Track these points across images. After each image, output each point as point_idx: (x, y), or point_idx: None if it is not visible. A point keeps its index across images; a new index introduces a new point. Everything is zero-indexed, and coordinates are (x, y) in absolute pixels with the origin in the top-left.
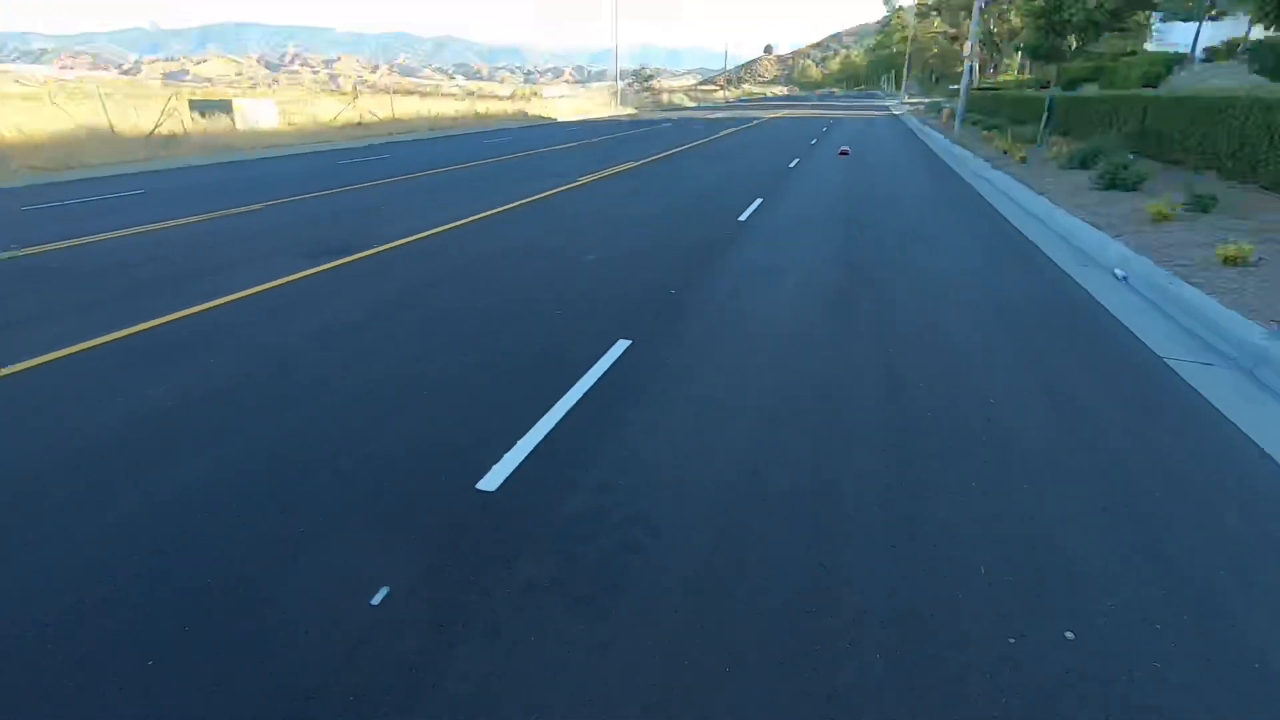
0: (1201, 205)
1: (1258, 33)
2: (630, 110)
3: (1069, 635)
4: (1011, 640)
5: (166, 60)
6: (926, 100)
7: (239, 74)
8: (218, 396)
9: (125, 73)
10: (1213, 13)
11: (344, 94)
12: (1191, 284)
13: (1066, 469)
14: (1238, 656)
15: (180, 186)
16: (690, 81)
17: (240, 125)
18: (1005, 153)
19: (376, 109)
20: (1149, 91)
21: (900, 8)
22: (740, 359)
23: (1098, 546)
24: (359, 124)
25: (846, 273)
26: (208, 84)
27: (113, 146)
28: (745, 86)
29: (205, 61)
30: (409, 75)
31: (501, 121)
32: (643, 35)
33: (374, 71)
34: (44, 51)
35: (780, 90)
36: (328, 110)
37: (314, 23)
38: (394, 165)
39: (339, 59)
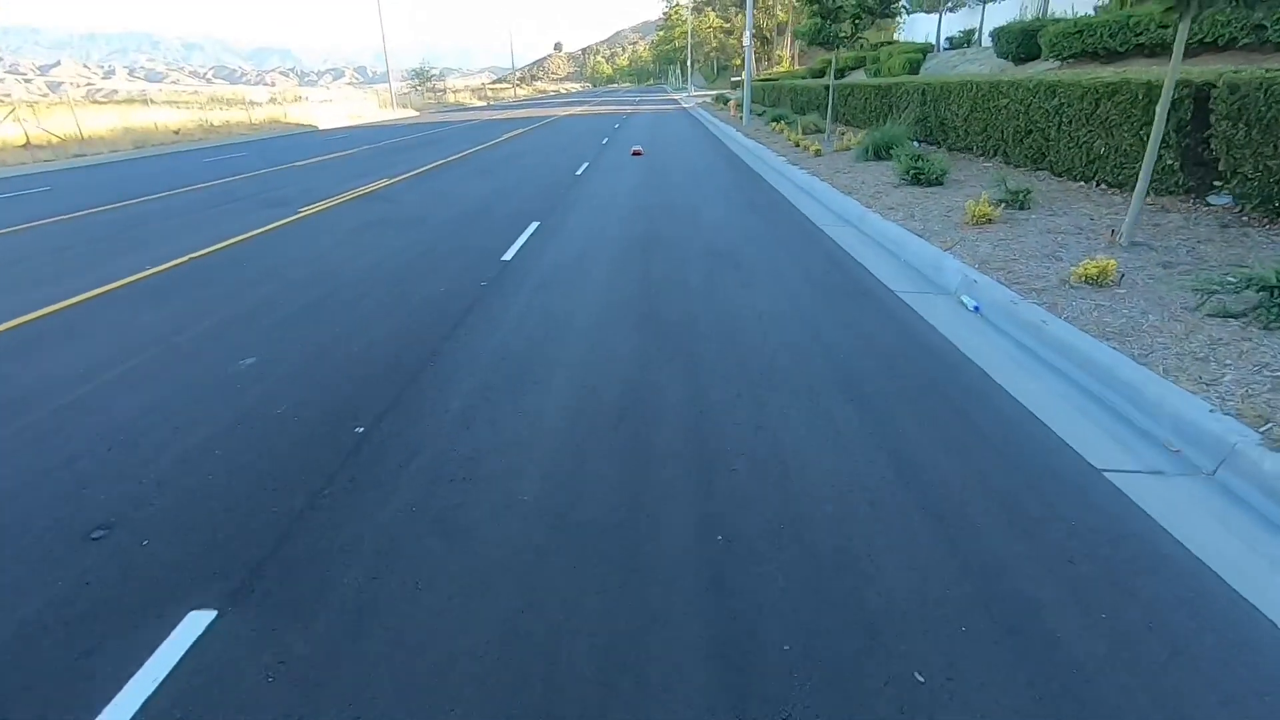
0: (1019, 201)
1: (994, 20)
2: (411, 113)
3: None
4: None
5: None
6: (712, 92)
7: None
8: None
9: None
10: (949, 4)
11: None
12: (1066, 319)
13: None
14: None
15: None
16: (483, 80)
17: None
18: (798, 145)
19: (59, 125)
20: (925, 78)
21: (677, 3)
22: (448, 602)
23: None
24: (26, 145)
25: (644, 340)
26: None
27: None
28: (538, 84)
29: None
30: (156, 81)
31: (247, 132)
32: (431, 34)
33: (108, 77)
34: None
35: (574, 87)
36: None
37: (12, 23)
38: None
39: (58, 63)
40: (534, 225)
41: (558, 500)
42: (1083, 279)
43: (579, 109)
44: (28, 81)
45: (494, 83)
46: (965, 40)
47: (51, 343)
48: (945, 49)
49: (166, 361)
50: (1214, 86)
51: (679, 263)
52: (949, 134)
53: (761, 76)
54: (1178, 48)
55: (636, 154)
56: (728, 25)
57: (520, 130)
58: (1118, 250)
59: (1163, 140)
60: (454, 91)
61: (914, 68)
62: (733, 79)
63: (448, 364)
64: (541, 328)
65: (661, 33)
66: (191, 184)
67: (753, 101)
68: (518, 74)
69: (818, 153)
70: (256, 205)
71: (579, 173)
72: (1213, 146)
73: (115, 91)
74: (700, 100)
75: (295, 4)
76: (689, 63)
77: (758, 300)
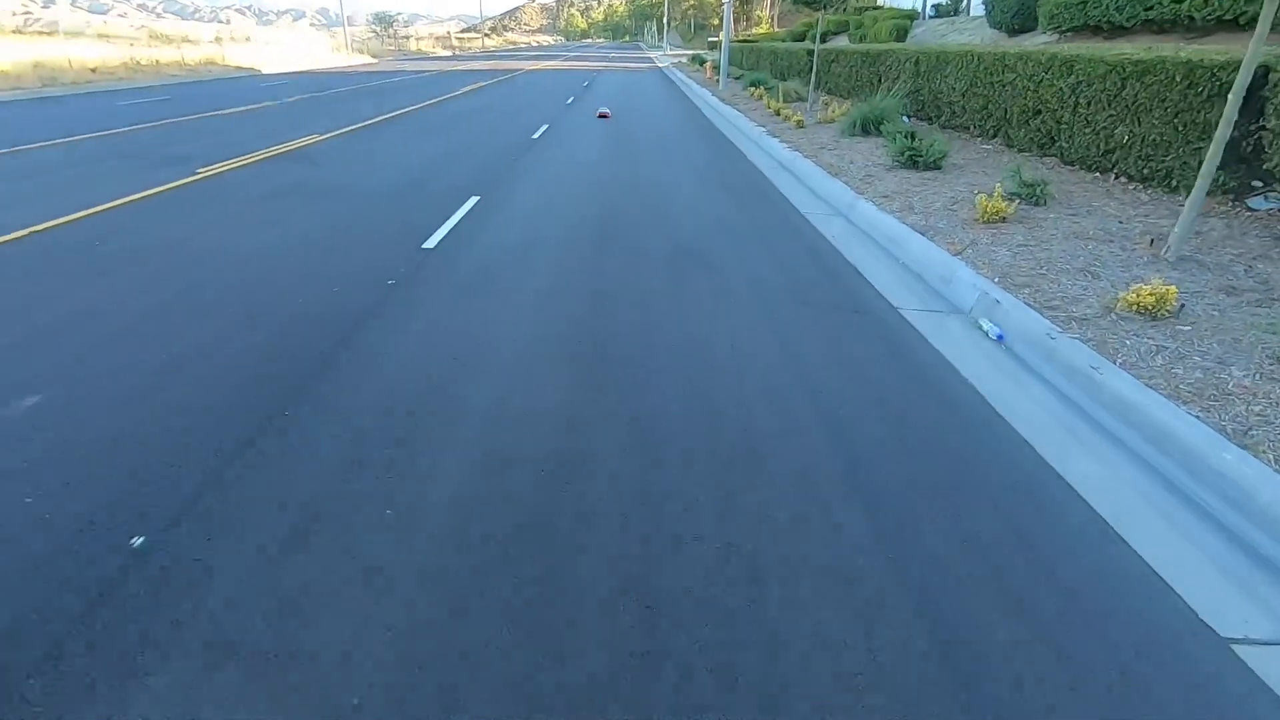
0: (1034, 196)
1: None
2: (368, 60)
3: None
4: None
5: None
6: (688, 51)
7: None
8: None
9: None
10: None
11: None
12: (1122, 366)
13: None
14: None
15: None
16: (451, 29)
17: None
18: (778, 114)
19: None
20: (918, 47)
21: None
22: None
23: None
24: None
25: (581, 387)
26: None
27: None
28: (509, 35)
29: None
30: (101, 13)
31: (178, 74)
32: None
33: (47, 6)
34: None
35: (547, 40)
36: None
37: None
38: None
39: None
40: (473, 201)
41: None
42: (1134, 308)
43: (548, 63)
44: None
45: (462, 31)
46: (953, 8)
47: None
48: (931, 16)
49: None
50: (1273, 71)
51: (637, 264)
52: (943, 110)
53: (740, 38)
54: (1263, 21)
55: (603, 117)
56: None
57: (481, 84)
58: (1164, 266)
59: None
60: (417, 39)
61: (901, 35)
62: (709, 39)
63: (292, 437)
64: (446, 362)
65: None
66: (82, 132)
67: (730, 64)
68: (488, 23)
69: (799, 124)
70: (149, 164)
71: (536, 136)
72: (1265, 143)
73: (55, 22)
74: (675, 60)
75: None
76: (665, 20)
77: (732, 323)
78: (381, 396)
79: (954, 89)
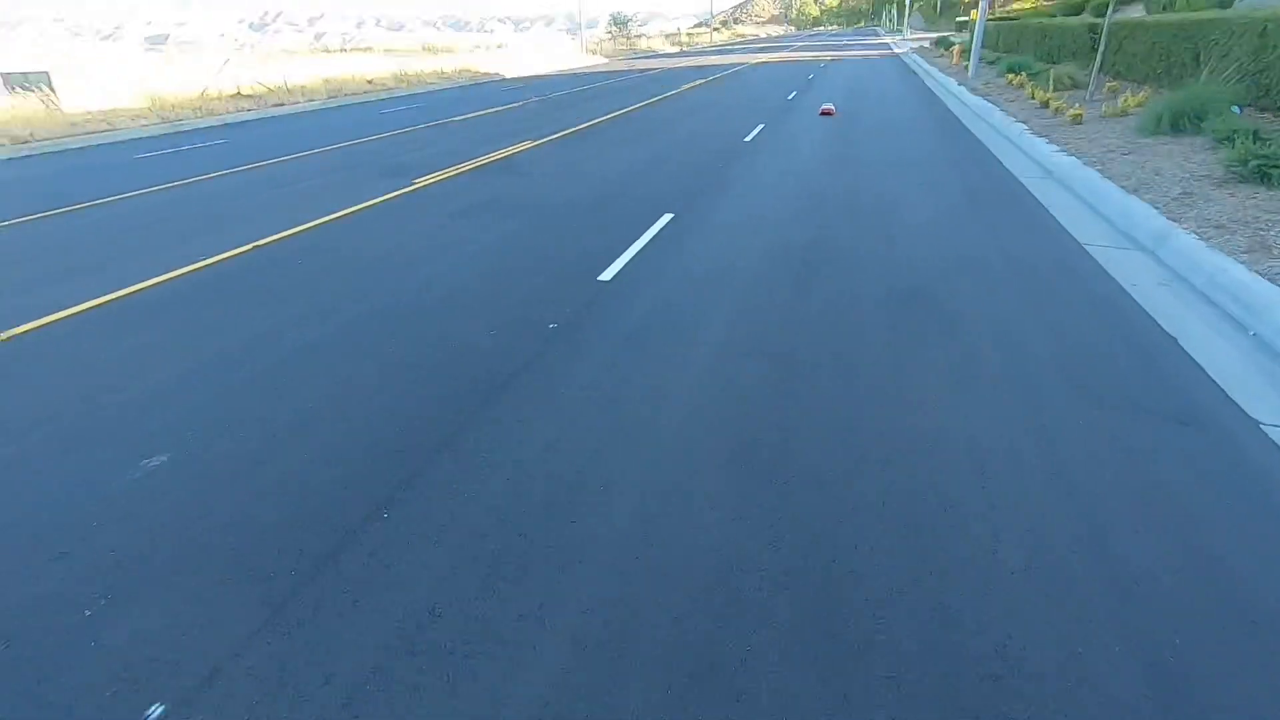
0: None
1: None
2: (600, 60)
3: None
4: None
5: (146, 24)
6: (931, 35)
7: (222, 35)
8: None
9: (106, 39)
10: None
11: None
12: None
13: None
14: None
15: None
16: (684, 25)
17: (72, 102)
18: (1045, 106)
19: (269, 76)
20: (1265, 10)
21: None
22: None
23: None
24: (237, 95)
25: (758, 512)
26: (190, 46)
27: None
28: (738, 28)
29: (185, 24)
30: (396, 30)
31: (435, 82)
32: None
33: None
34: (23, 20)
35: (777, 30)
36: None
37: None
38: (157, 169)
39: (323, 15)
40: (665, 219)
41: None
42: None
43: (774, 55)
44: (299, 31)
45: (694, 28)
46: None
47: None
48: None
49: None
50: None
51: (846, 313)
52: None
53: (996, 15)
54: None
55: (826, 114)
56: None
57: (700, 81)
58: None
59: None
60: (648, 38)
61: (1225, 1)
62: (958, 19)
63: (395, 530)
64: (576, 465)
65: None
66: (339, 141)
67: (983, 46)
68: (719, 18)
69: (1076, 119)
70: (374, 174)
71: (748, 139)
72: None
73: (366, 39)
74: (916, 45)
75: None
76: (907, 1)
77: (977, 424)
78: (482, 513)
79: None
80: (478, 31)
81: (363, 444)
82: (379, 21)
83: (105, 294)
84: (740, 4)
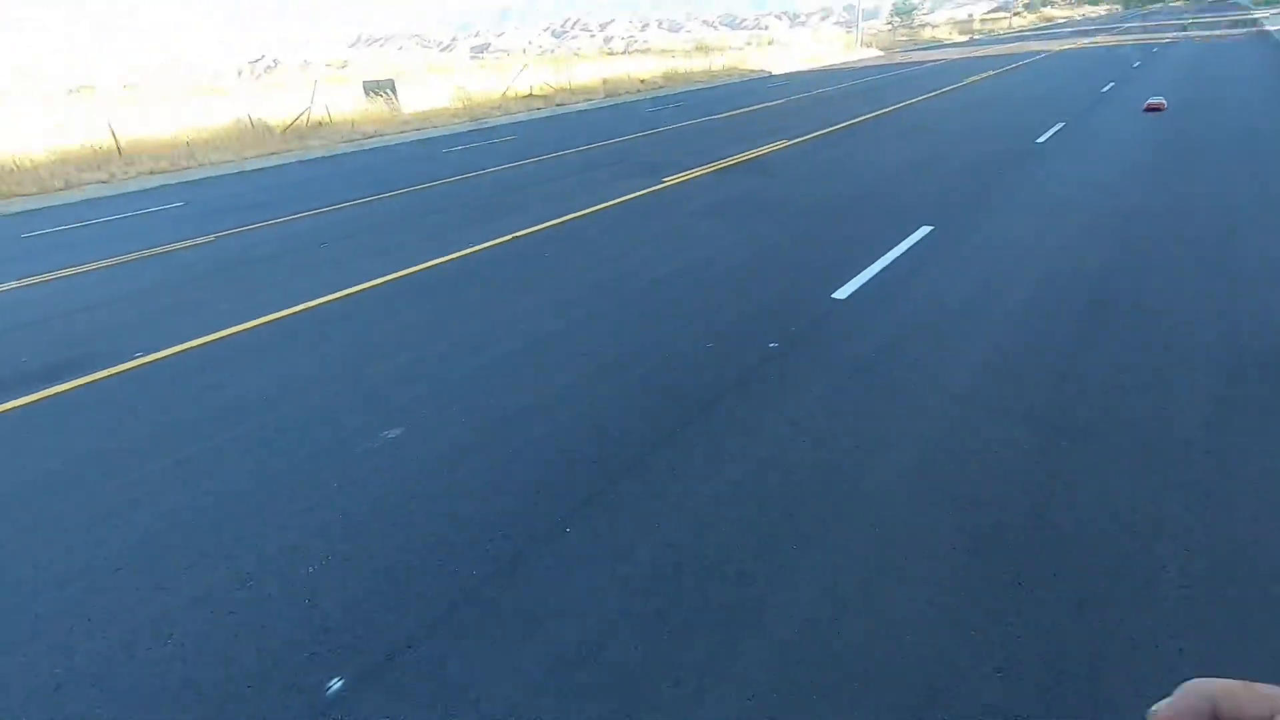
0: None
1: None
2: (875, 53)
3: None
4: None
5: (474, 36)
6: None
7: (530, 43)
8: None
9: (444, 50)
10: None
11: (557, 60)
12: None
13: None
14: None
15: (220, 198)
16: (978, 11)
17: (407, 105)
18: None
19: (555, 76)
20: None
21: None
22: None
23: None
24: (530, 95)
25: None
26: (504, 54)
27: (249, 141)
28: (1045, 11)
29: (503, 35)
30: (676, 31)
31: (703, 80)
32: None
33: (643, 29)
34: (388, 38)
35: (1097, 11)
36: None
37: None
38: (436, 165)
39: (613, 20)
40: (922, 232)
41: None
42: None
43: (1088, 40)
44: (592, 36)
45: (989, 13)
46: None
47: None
48: None
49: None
50: None
51: (1154, 375)
52: None
53: None
54: None
55: (1153, 110)
56: None
57: (991, 71)
58: None
59: None
60: (933, 27)
61: None
62: None
63: (570, 547)
64: (788, 493)
65: None
66: (606, 139)
67: None
68: (1023, 1)
69: None
70: (626, 172)
71: (1042, 139)
72: None
73: (648, 41)
74: None
75: None
76: None
77: None
78: (648, 558)
79: None
80: (752, 29)
81: (558, 450)
82: (660, 24)
83: (398, 270)
84: None
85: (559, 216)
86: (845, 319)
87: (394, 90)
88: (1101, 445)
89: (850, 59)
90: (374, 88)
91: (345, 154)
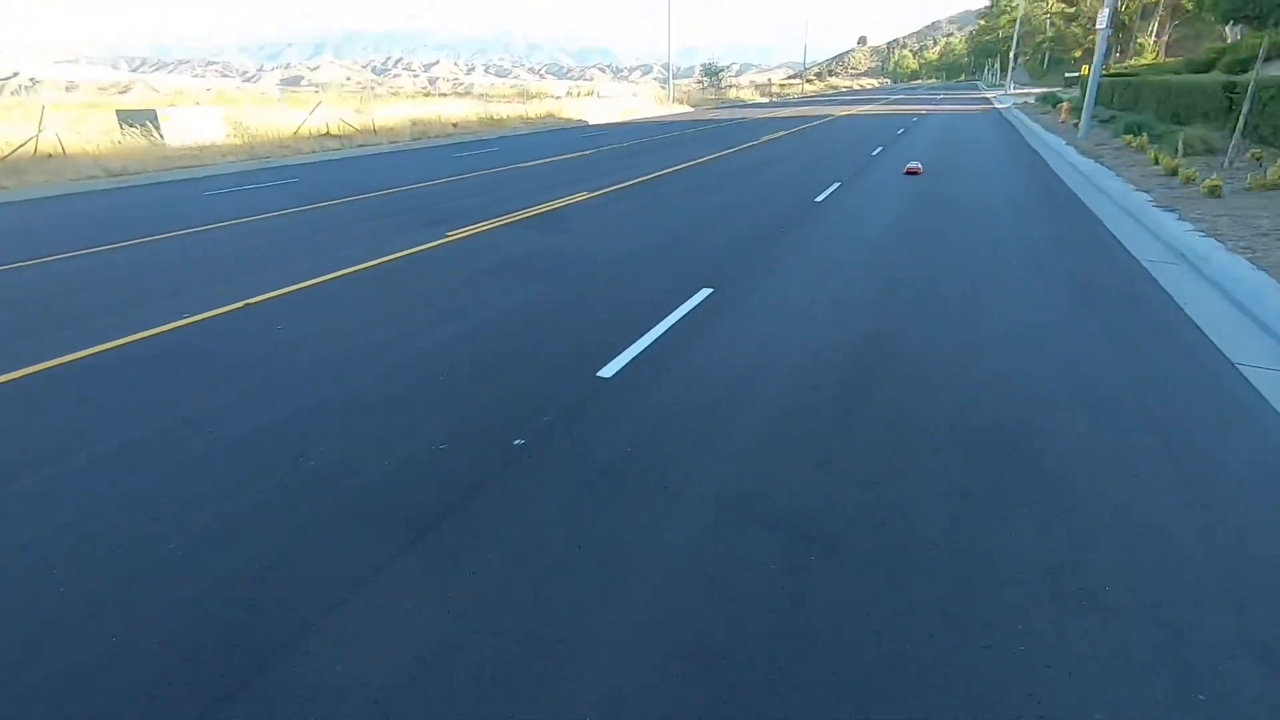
0: None
1: None
2: (685, 109)
3: None
4: None
5: (284, 68)
6: (1036, 90)
7: (348, 79)
8: None
9: (248, 80)
10: None
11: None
12: None
13: None
14: None
15: None
16: (776, 76)
17: (172, 139)
18: (1174, 174)
19: (356, 116)
20: None
21: None
22: None
23: None
24: (327, 134)
25: None
26: (318, 89)
27: None
28: (831, 80)
29: (318, 69)
30: (503, 76)
31: (519, 126)
32: (735, 32)
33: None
34: (181, 63)
35: (872, 83)
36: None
37: (415, 28)
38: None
39: (437, 62)
40: (701, 296)
41: None
42: None
43: (865, 108)
44: (415, 77)
45: (787, 79)
46: None
47: None
48: None
49: None
50: None
51: (906, 454)
52: None
53: (1112, 71)
54: None
55: (912, 173)
56: (1070, 10)
57: (783, 132)
58: None
59: None
60: (737, 88)
61: None
62: (1066, 74)
63: None
64: (506, 656)
65: (984, 21)
66: (399, 184)
67: (1095, 104)
68: (814, 69)
69: (1213, 191)
70: (410, 224)
71: (820, 199)
72: None
73: (473, 85)
74: (1020, 101)
75: (619, 7)
76: (1012, 55)
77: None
78: None
79: None
80: (577, 79)
81: (196, 626)
82: (488, 68)
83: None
84: (836, 56)
85: (315, 277)
86: (606, 403)
87: (155, 121)
88: (851, 558)
89: (663, 113)
90: (130, 118)
91: (66, 195)
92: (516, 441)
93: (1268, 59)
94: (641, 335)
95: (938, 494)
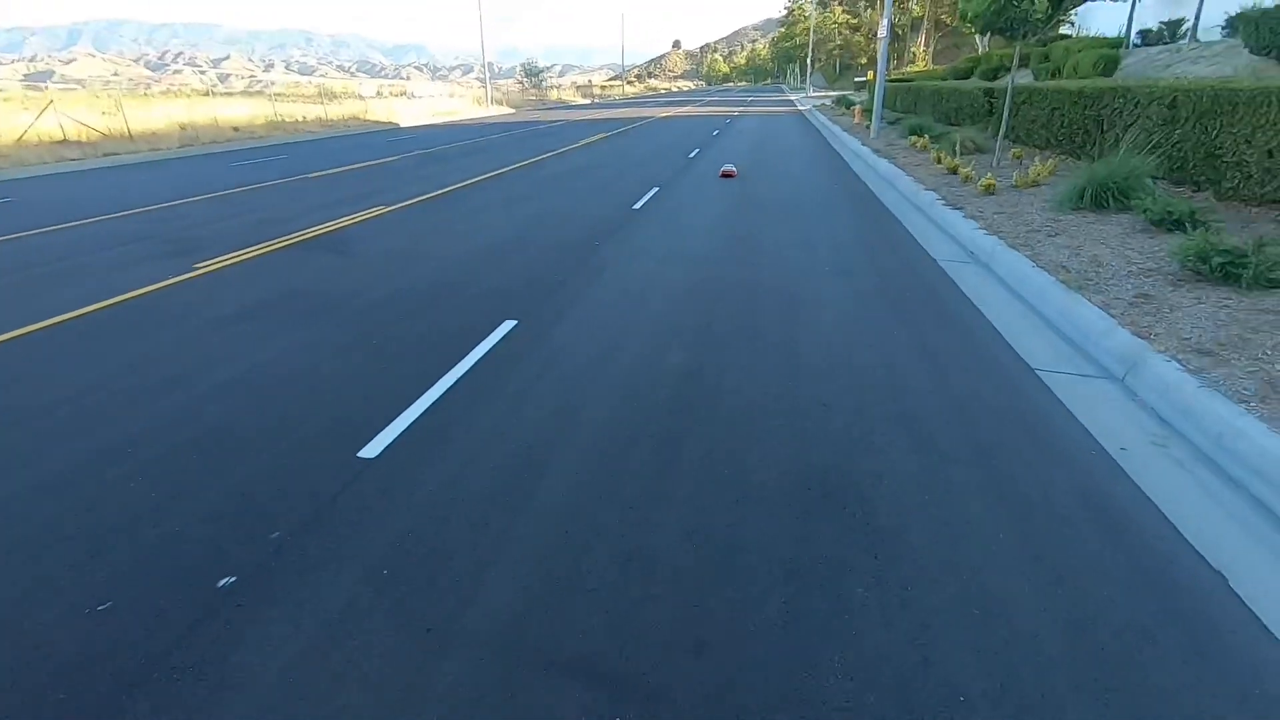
0: None
1: (1220, 6)
2: (506, 110)
3: None
4: None
5: (29, 60)
6: (833, 93)
7: (115, 74)
8: None
9: None
10: None
11: (96, 95)
12: None
13: None
14: None
15: None
16: (592, 78)
17: None
18: (954, 172)
19: (104, 119)
20: (1172, 82)
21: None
22: None
23: None
24: (64, 141)
25: None
26: (78, 86)
27: None
28: (651, 82)
29: (74, 61)
30: (307, 74)
31: (316, 130)
32: (554, 33)
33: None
34: None
35: (687, 85)
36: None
37: (198, 19)
38: None
39: (228, 57)
40: (502, 331)
41: None
42: None
43: (683, 109)
44: (202, 73)
45: (608, 80)
46: (1168, 34)
47: None
48: (1138, 44)
49: None
50: None
51: (732, 530)
52: (1226, 173)
53: (892, 77)
54: None
55: (727, 176)
56: (855, 21)
57: (604, 134)
58: None
59: None
60: (559, 89)
61: (1108, 68)
62: (856, 79)
63: None
64: None
65: (783, 29)
66: (151, 202)
67: (884, 107)
68: (634, 71)
69: (989, 189)
70: (154, 253)
71: (638, 206)
72: None
73: (273, 83)
74: (819, 103)
75: (432, 3)
76: (809, 61)
77: None
78: None
79: (1249, 143)
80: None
81: None
82: (289, 66)
83: None
84: (654, 59)
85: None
86: (363, 498)
87: None
88: (665, 709)
89: (482, 114)
90: None
91: None
92: (223, 581)
93: (1009, 70)
94: (422, 393)
95: (765, 587)
